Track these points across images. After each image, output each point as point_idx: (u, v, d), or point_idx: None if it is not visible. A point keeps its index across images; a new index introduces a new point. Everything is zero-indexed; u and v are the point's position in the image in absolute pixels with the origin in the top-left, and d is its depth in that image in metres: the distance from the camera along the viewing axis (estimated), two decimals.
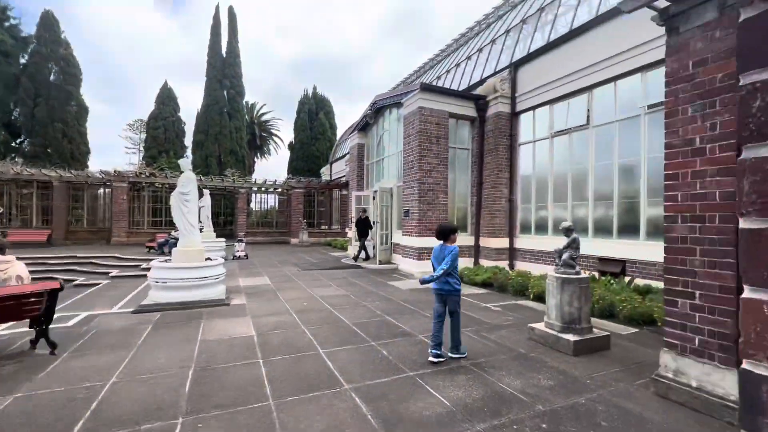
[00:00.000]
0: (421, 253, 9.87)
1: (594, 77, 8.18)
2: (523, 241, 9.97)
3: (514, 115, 10.33)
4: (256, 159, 42.73)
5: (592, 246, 8.05)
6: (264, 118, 42.85)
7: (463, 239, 10.76)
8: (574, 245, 4.51)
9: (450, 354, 4.09)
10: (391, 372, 3.66)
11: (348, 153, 18.21)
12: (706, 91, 2.96)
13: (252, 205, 26.14)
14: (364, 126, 14.42)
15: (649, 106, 7.16)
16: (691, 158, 3.06)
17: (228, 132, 30.65)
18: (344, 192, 21.43)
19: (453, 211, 10.91)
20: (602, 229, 8.08)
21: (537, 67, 9.70)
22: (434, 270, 4.14)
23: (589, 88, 8.37)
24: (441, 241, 4.22)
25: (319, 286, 8.26)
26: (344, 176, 21.47)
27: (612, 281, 7.03)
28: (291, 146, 38.33)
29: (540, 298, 6.93)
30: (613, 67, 7.78)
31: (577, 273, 4.43)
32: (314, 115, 37.43)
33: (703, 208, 2.97)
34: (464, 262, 10.57)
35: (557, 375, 3.60)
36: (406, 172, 10.52)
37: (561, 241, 8.79)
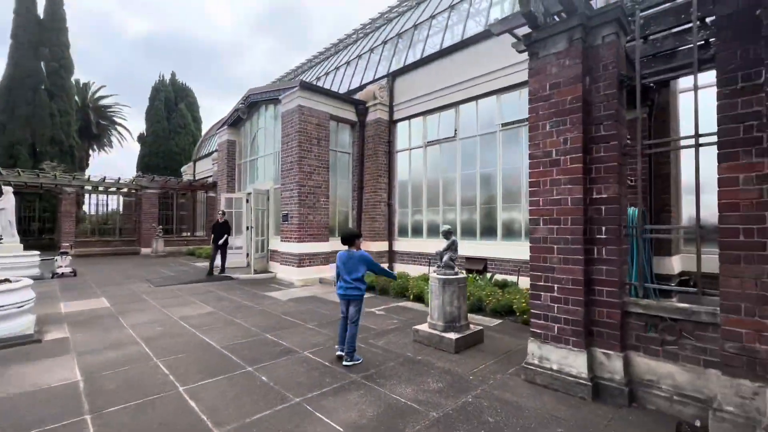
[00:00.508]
0: (302, 260, 9.34)
1: (459, 95, 9.08)
2: (401, 244, 10.41)
3: (392, 123, 10.75)
4: (92, 151, 34.69)
5: (460, 247, 8.86)
6: (103, 102, 35.14)
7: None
8: (453, 247, 4.77)
9: (344, 362, 3.96)
10: (274, 401, 3.15)
11: (216, 150, 16.27)
12: (559, 110, 3.42)
13: (86, 208, 21.05)
14: (235, 121, 13.04)
15: (503, 125, 8.30)
16: (549, 168, 3.49)
17: (47, 115, 24.01)
18: (211, 194, 19.08)
19: (335, 215, 10.71)
20: (468, 231, 9.00)
21: (412, 80, 10.31)
22: (338, 277, 4.33)
23: (456, 104, 9.26)
24: (346, 247, 4.32)
25: (179, 304, 6.94)
26: (211, 176, 19.13)
27: (477, 278, 7.84)
28: (142, 139, 32.47)
29: (419, 298, 7.25)
30: (474, 87, 8.77)
31: (456, 273, 4.68)
32: (173, 104, 32.60)
33: (559, 212, 3.41)
34: None
35: (444, 376, 3.67)
36: (285, 173, 9.86)
37: (437, 244, 9.49)
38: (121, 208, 19.97)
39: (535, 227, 3.57)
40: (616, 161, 3.21)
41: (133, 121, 61.67)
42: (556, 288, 3.41)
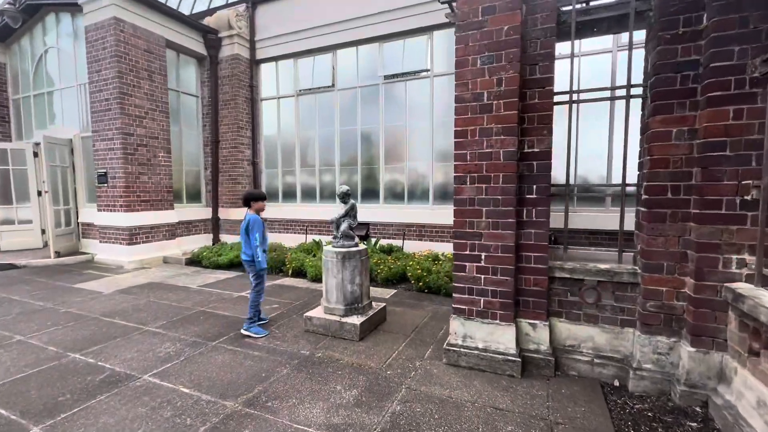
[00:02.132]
0: (135, 235, 7.02)
1: (337, 37, 7.88)
2: (271, 211, 8.96)
3: (255, 63, 8.82)
4: None
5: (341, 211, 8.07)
6: None
7: (196, 211, 8.58)
8: (352, 213, 3.90)
9: (242, 329, 3.75)
10: None
11: None
12: (494, 42, 2.80)
13: None
14: (5, 33, 8.68)
15: (386, 77, 7.59)
16: (479, 114, 2.89)
17: None
18: None
19: (180, 176, 8.40)
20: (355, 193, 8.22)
21: (278, 11, 8.50)
22: (243, 244, 3.89)
23: (333, 48, 8.05)
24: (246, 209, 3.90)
25: None
26: None
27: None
28: None
29: (299, 273, 6.24)
30: (354, 30, 7.70)
31: (357, 244, 3.86)
32: None
33: (489, 167, 2.89)
34: (201, 241, 8.49)
35: (357, 376, 2.89)
36: (99, 116, 7.02)
37: (313, 209, 8.48)
38: None
39: (461, 186, 2.99)
40: (550, 109, 2.81)
41: None
42: (483, 257, 2.95)
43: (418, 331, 3.79)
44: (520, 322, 2.98)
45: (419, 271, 5.24)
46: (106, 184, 7.08)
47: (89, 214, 7.77)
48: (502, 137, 2.82)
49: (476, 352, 2.96)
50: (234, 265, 6.87)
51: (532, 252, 2.91)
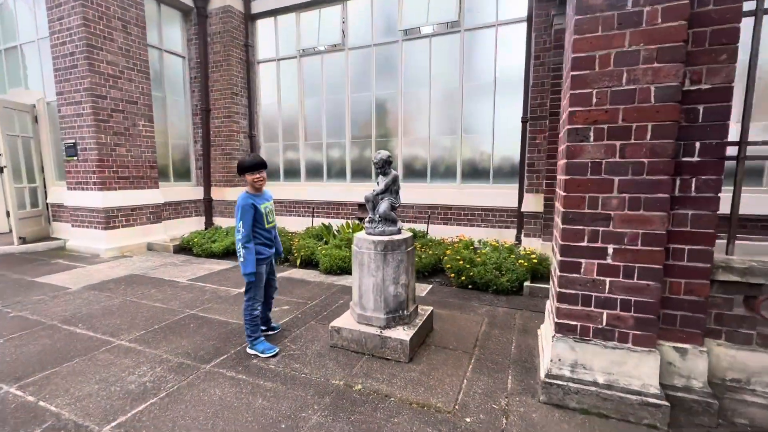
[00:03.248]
0: (112, 218, 5.95)
1: None
2: (271, 190, 7.88)
3: (250, 18, 7.58)
4: None
5: (351, 191, 7.06)
6: None
7: (186, 191, 7.49)
8: (394, 188, 2.88)
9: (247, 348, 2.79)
10: None
11: None
12: None
13: None
14: None
15: (406, 33, 6.44)
16: (617, 29, 1.85)
17: None
18: None
19: (166, 149, 7.27)
20: (360, 171, 7.20)
21: None
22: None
23: None
24: None
25: None
26: None
27: None
28: None
29: (309, 263, 5.25)
30: None
31: (399, 230, 2.86)
32: None
33: (630, 114, 1.87)
34: (191, 224, 7.44)
35: (423, 427, 1.94)
36: (64, 74, 5.84)
37: (320, 189, 7.41)
38: None
39: (579, 145, 1.98)
40: (735, 20, 1.78)
41: None
42: (611, 251, 1.97)
43: (482, 346, 2.84)
44: (661, 346, 2.03)
45: (460, 262, 4.28)
46: (75, 158, 5.95)
47: (59, 193, 6.66)
48: (657, 65, 1.80)
49: (594, 389, 2.02)
50: (230, 253, 5.86)
51: (687, 244, 1.93)
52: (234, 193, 7.50)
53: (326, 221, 7.02)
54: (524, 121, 5.49)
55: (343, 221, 7.01)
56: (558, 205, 2.17)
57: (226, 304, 3.79)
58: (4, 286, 4.42)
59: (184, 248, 6.29)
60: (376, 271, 2.68)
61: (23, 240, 6.32)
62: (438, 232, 6.23)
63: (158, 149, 6.89)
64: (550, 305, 2.46)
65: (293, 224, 7.42)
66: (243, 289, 4.24)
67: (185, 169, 7.71)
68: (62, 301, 3.90)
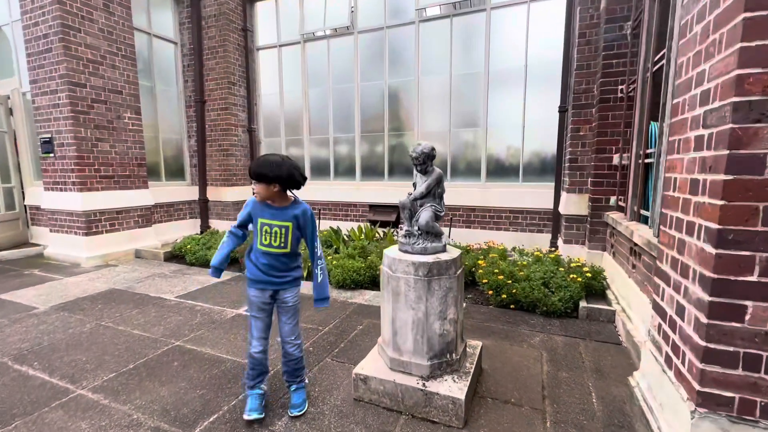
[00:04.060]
0: (94, 222, 5.28)
1: None
2: None
3: (249, 0, 6.88)
4: None
5: (360, 191, 6.38)
6: None
7: (179, 191, 6.81)
8: (438, 190, 2.19)
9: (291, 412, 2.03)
10: None
11: None
12: None
13: None
14: None
15: (422, 12, 5.73)
16: None
17: None
18: None
19: (156, 145, 6.59)
20: (371, 170, 6.51)
21: None
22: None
23: None
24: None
25: None
26: None
27: (389, 232, 5.58)
28: None
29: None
30: None
31: (444, 247, 2.17)
32: None
33: None
34: (185, 228, 6.77)
35: None
36: (37, 59, 5.15)
37: (327, 189, 6.72)
38: None
39: (752, 128, 1.29)
40: None
41: None
42: None
43: (553, 398, 2.17)
44: None
45: (499, 276, 3.59)
46: (52, 154, 5.27)
47: (37, 194, 5.98)
48: None
49: None
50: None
51: None
52: (232, 194, 6.81)
53: (334, 224, 6.34)
54: (562, 111, 4.79)
55: (353, 224, 6.33)
56: (699, 220, 1.48)
57: (221, 330, 3.12)
58: None
59: (176, 255, 5.62)
60: (416, 303, 2.00)
61: None
62: (460, 236, 5.56)
63: (147, 145, 6.21)
64: (654, 348, 1.78)
65: None
66: (243, 308, 3.59)
67: (178, 166, 7.02)
68: (23, 327, 3.22)
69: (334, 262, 4.27)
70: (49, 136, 5.22)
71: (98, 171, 5.31)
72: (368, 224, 6.21)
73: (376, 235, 5.44)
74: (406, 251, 2.11)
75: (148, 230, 5.95)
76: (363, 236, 5.26)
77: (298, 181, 1.88)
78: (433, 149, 2.10)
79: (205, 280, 4.53)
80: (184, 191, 6.85)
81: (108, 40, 5.33)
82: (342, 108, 6.55)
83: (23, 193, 6.27)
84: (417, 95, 5.94)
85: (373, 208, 6.33)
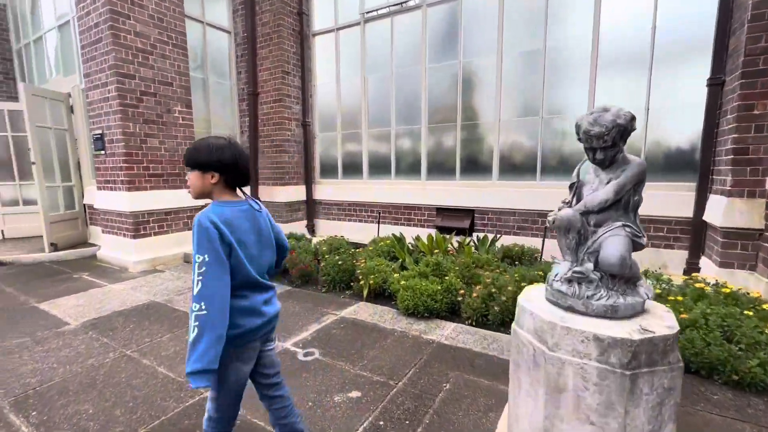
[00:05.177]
0: (142, 224, 4.92)
1: None
2: (326, 190, 6.56)
3: None
4: None
5: (426, 192, 5.45)
6: None
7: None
8: (635, 197, 1.20)
9: None
10: None
11: None
12: None
13: None
14: None
15: None
16: None
17: None
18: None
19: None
20: (439, 166, 5.56)
21: None
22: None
23: None
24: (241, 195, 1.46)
25: None
26: None
27: (468, 243, 4.58)
28: None
29: (380, 294, 3.73)
30: None
31: (643, 305, 1.18)
32: None
33: None
34: None
35: None
36: (89, 51, 4.88)
37: (385, 188, 5.94)
38: None
39: None
40: None
41: None
42: None
43: None
44: None
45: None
46: (103, 151, 5.00)
47: (92, 193, 5.83)
48: None
49: None
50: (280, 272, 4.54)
51: None
52: (285, 194, 6.24)
53: (395, 230, 5.49)
54: (716, 84, 3.48)
55: (417, 230, 5.44)
56: None
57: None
58: (15, 311, 3.44)
59: None
60: (603, 416, 1.04)
61: (54, 247, 5.54)
62: (555, 250, 4.41)
63: (197, 139, 5.80)
64: None
65: (353, 232, 6.00)
66: (290, 340, 2.76)
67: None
68: (43, 350, 2.74)
69: (402, 282, 3.38)
70: (100, 132, 4.95)
71: (147, 169, 4.94)
72: (437, 232, 5.27)
73: (450, 246, 4.48)
74: (572, 309, 1.15)
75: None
76: (438, 252, 4.33)
77: (245, 174, 1.38)
78: (632, 120, 1.12)
79: None
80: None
81: (158, 27, 4.94)
82: (406, 96, 5.67)
83: (82, 191, 6.19)
84: (498, 77, 4.88)
85: (441, 212, 5.39)
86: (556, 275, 1.19)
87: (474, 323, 3.07)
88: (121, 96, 4.64)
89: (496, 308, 2.98)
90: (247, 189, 1.50)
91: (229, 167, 1.31)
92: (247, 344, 1.35)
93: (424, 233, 5.27)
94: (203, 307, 1.17)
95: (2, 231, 6.57)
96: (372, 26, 5.84)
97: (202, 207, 5.45)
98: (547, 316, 1.13)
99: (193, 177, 1.33)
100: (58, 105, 5.79)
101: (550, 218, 1.24)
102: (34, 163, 5.30)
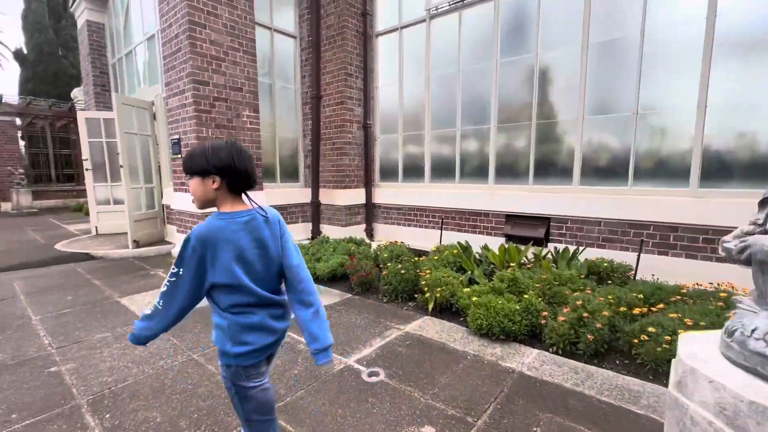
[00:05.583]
0: None
1: None
2: (385, 193, 6.39)
3: None
4: None
5: (494, 197, 5.03)
6: None
7: (292, 193, 6.43)
8: None
9: None
10: None
11: None
12: None
13: None
14: None
15: None
16: None
17: None
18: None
19: (272, 145, 6.33)
20: (508, 168, 5.11)
21: None
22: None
23: None
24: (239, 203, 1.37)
25: None
26: None
27: (541, 256, 4.11)
28: (20, 57, 24.34)
29: (447, 308, 3.43)
30: None
31: None
32: (63, 8, 24.37)
33: None
34: (298, 232, 6.36)
35: None
36: (170, 61, 5.18)
37: (449, 192, 5.69)
38: None
39: None
40: None
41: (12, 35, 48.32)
42: None
43: None
44: None
45: None
46: (179, 155, 5.27)
47: (170, 194, 6.22)
48: None
49: None
50: (337, 278, 4.43)
51: None
52: (345, 197, 6.17)
53: (460, 237, 5.14)
54: None
55: (483, 238, 5.04)
56: None
57: (324, 396, 2.20)
58: (88, 306, 3.70)
59: None
60: None
61: (137, 243, 5.98)
62: (656, 267, 3.78)
63: (264, 145, 5.94)
64: None
65: (413, 238, 5.75)
66: (354, 357, 2.42)
67: (293, 167, 6.70)
68: (120, 348, 2.84)
69: (474, 299, 3.05)
70: (178, 137, 5.22)
71: None
72: (506, 241, 4.85)
73: (524, 258, 4.05)
74: None
75: None
76: (513, 266, 3.93)
77: (247, 176, 1.31)
78: None
79: None
80: (298, 193, 6.47)
81: (231, 35, 5.10)
82: (473, 94, 5.31)
83: (161, 192, 6.65)
84: (582, 68, 4.34)
85: (511, 219, 4.94)
86: (754, 330, 0.83)
87: (560, 352, 2.65)
88: (196, 102, 4.85)
89: (588, 337, 2.55)
90: (259, 197, 1.33)
91: (229, 169, 1.25)
92: (256, 363, 1.36)
93: (492, 242, 4.86)
94: (161, 304, 1.30)
95: (96, 227, 7.29)
96: (438, 22, 5.56)
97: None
98: (747, 392, 0.78)
99: (193, 184, 1.28)
100: (143, 112, 6.27)
101: (732, 244, 0.88)
102: (122, 166, 5.77)
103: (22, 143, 14.40)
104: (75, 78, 23.55)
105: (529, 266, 3.84)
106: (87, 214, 10.17)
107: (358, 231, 6.31)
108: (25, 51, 24.45)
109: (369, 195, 6.43)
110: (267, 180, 6.07)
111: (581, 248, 4.17)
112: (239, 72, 5.25)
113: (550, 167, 4.75)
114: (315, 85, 6.21)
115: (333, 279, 4.43)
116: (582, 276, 3.50)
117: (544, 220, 4.66)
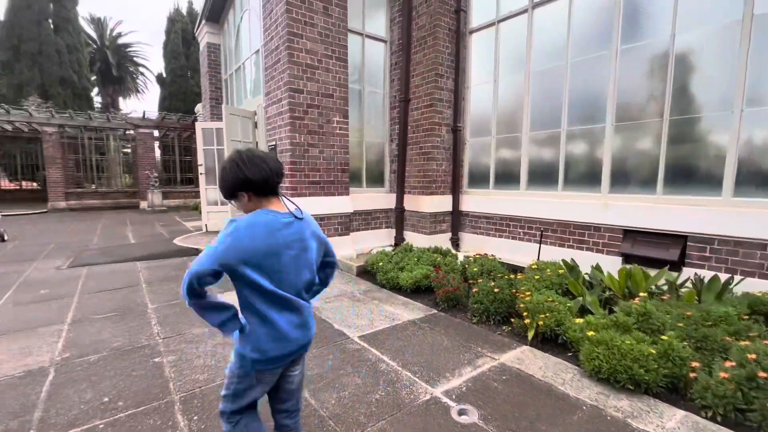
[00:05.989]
0: None
1: None
2: (475, 200, 5.93)
3: None
4: (122, 98, 32.20)
5: (609, 208, 4.25)
6: (122, 40, 32.07)
7: (377, 198, 6.35)
8: None
9: None
10: None
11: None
12: None
13: (92, 153, 18.39)
14: (215, 10, 8.64)
15: None
16: None
17: (54, 52, 21.23)
18: None
19: (360, 150, 6.34)
20: (628, 175, 4.29)
21: None
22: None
23: None
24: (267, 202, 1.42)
25: (85, 317, 3.20)
26: None
27: (676, 285, 3.28)
28: (161, 80, 29.26)
29: (551, 339, 2.90)
30: None
31: None
32: (191, 37, 28.73)
33: None
34: (381, 238, 6.26)
35: None
36: (270, 72, 5.50)
37: (549, 201, 4.77)
38: (122, 154, 17.09)
39: None
40: None
41: (155, 62, 58.40)
42: None
43: None
44: None
45: None
46: None
47: None
48: None
49: None
50: (421, 289, 4.16)
51: None
52: (431, 204, 5.88)
53: (563, 253, 4.46)
54: None
55: (595, 256, 4.31)
56: None
57: (411, 424, 1.93)
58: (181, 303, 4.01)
59: (367, 271, 5.02)
60: None
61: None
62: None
63: (351, 150, 5.97)
64: None
65: (504, 250, 5.20)
66: (441, 387, 2.12)
67: (379, 172, 6.64)
68: (212, 345, 2.94)
69: (590, 333, 2.50)
70: (274, 143, 5.51)
71: (307, 177, 5.25)
72: (626, 262, 4.07)
73: (653, 287, 3.28)
74: None
75: (346, 238, 5.65)
76: (630, 286, 3.22)
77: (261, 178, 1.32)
78: None
79: (394, 314, 3.57)
80: (382, 199, 6.37)
81: (324, 43, 5.21)
82: (583, 89, 4.59)
83: None
84: (744, 48, 3.40)
85: (631, 235, 4.11)
86: None
87: (719, 419, 1.99)
88: (291, 109, 5.04)
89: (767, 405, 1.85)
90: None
91: (244, 182, 1.29)
92: (269, 370, 1.36)
93: (604, 261, 4.11)
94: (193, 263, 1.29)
95: (206, 225, 8.15)
96: (542, 11, 4.97)
97: (349, 215, 5.47)
98: None
99: (237, 206, 1.39)
100: (247, 122, 6.81)
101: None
102: (200, 165, 6.30)
103: (158, 152, 17.21)
104: (198, 95, 27.54)
105: (663, 297, 3.08)
106: (201, 212, 11.57)
107: (443, 240, 5.95)
108: (164, 75, 29.21)
109: (456, 202, 6.04)
110: (353, 185, 6.08)
111: (738, 278, 3.24)
112: (331, 79, 5.33)
113: (688, 174, 3.83)
114: (404, 88, 6.05)
115: (416, 291, 4.17)
116: (743, 316, 2.67)
117: (678, 239, 3.76)
